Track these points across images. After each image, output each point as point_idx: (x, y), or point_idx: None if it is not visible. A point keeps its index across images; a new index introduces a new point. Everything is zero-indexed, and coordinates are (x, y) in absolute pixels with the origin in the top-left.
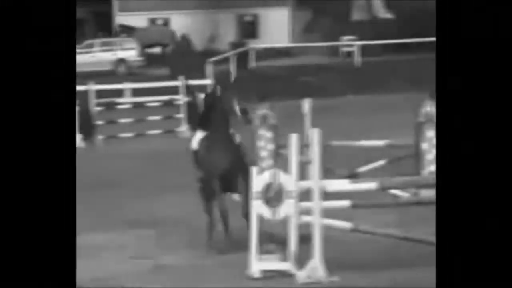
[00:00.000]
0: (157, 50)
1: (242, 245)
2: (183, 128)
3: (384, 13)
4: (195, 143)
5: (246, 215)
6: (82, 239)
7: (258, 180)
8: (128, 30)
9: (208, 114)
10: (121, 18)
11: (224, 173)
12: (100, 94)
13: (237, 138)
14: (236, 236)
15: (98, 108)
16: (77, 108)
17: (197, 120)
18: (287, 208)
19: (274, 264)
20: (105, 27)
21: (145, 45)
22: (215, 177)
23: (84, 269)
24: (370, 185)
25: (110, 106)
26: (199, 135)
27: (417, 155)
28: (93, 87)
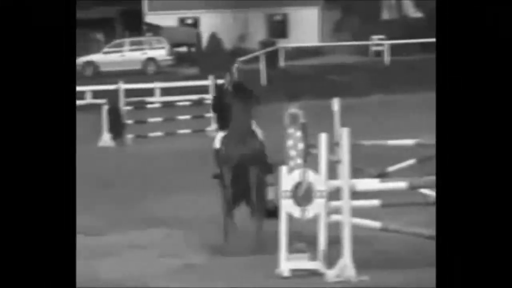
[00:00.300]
0: (183, 49)
1: (259, 246)
2: (213, 127)
3: (414, 13)
4: (217, 142)
5: (257, 212)
6: (107, 239)
7: (288, 179)
8: (154, 29)
9: (223, 112)
10: (150, 18)
11: (237, 166)
12: (129, 93)
13: (259, 134)
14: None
15: (128, 108)
16: (106, 107)
17: (216, 120)
18: (317, 207)
19: (303, 263)
20: (134, 26)
21: (171, 45)
22: (228, 169)
23: (107, 269)
24: (399, 184)
25: (140, 105)
26: (221, 133)
27: None
28: (123, 86)
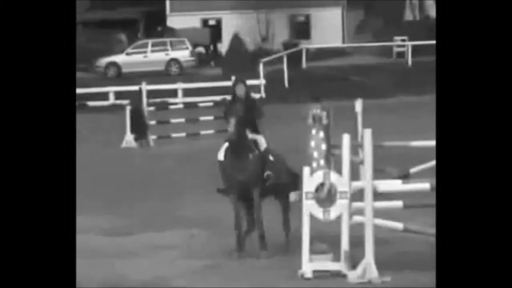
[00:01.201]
0: (200, 49)
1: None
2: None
3: None
4: (221, 154)
5: (256, 230)
6: (130, 239)
7: (310, 180)
8: (168, 31)
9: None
10: (172, 19)
11: (240, 186)
12: (152, 94)
13: (262, 144)
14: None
15: (151, 108)
16: (129, 108)
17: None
18: (340, 208)
19: (326, 264)
20: (153, 28)
21: None
22: (232, 189)
23: (131, 269)
24: (422, 185)
25: (162, 106)
26: (225, 145)
27: None
28: (146, 87)
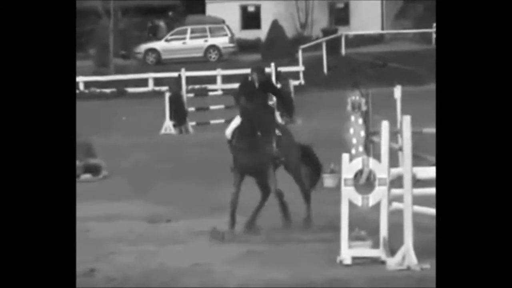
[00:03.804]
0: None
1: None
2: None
3: None
4: (229, 133)
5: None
6: (171, 226)
7: (349, 167)
8: (179, 18)
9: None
10: (211, 6)
11: (249, 171)
12: (191, 80)
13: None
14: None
15: (190, 95)
16: (168, 94)
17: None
18: (378, 195)
19: (365, 250)
20: (197, 13)
21: None
22: (237, 173)
23: (177, 255)
24: None
25: (201, 93)
26: (233, 124)
27: None
28: (185, 73)
